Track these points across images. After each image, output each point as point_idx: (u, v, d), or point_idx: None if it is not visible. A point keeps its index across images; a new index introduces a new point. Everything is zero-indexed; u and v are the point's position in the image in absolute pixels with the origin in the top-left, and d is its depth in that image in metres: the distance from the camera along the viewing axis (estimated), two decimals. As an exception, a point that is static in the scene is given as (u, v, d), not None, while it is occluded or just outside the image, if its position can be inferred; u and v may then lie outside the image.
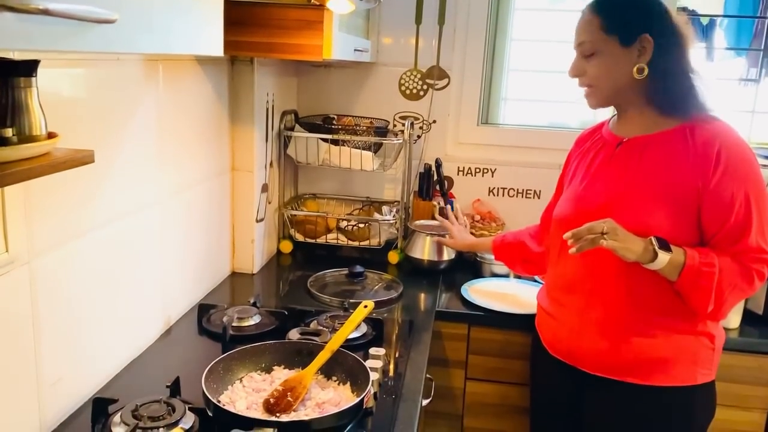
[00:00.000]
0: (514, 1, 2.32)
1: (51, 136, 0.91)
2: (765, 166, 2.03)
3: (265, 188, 2.04)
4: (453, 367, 1.88)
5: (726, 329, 1.78)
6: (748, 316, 1.85)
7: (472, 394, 1.89)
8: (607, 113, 1.67)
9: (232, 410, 1.08)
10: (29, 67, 0.87)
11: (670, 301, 1.33)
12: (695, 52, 1.35)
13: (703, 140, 1.29)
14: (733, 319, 1.80)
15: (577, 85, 1.44)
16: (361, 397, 1.09)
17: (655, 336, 1.35)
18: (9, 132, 0.84)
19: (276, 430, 0.98)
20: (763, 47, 2.27)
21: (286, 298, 1.91)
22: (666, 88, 1.33)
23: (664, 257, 1.24)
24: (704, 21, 2.51)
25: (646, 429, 1.40)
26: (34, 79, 0.87)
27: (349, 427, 1.12)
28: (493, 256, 1.92)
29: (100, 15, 0.57)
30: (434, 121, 2.33)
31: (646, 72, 1.34)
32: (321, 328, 1.48)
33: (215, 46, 0.86)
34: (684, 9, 2.43)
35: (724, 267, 1.27)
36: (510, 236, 1.79)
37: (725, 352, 1.75)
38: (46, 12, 0.49)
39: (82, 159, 0.92)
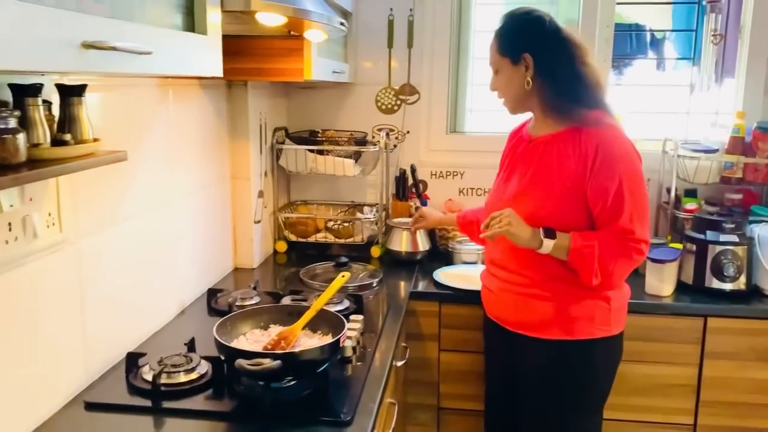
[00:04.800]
0: (473, 24, 2.66)
1: (95, 140, 1.22)
2: (695, 157, 2.34)
3: (261, 194, 2.35)
4: (428, 340, 2.17)
5: (660, 296, 2.09)
6: (680, 285, 2.14)
7: (446, 363, 2.17)
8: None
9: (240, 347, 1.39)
10: (80, 89, 1.18)
11: (569, 271, 1.61)
12: (590, 61, 1.63)
13: (586, 139, 1.58)
14: (666, 288, 2.10)
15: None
16: (338, 336, 1.38)
17: (557, 299, 1.63)
18: (68, 137, 1.15)
19: (272, 359, 1.27)
20: (692, 56, 2.60)
21: (283, 287, 2.20)
22: (554, 95, 1.61)
23: (548, 244, 1.56)
24: (659, 36, 2.85)
25: (554, 377, 1.68)
26: (83, 98, 1.19)
27: (328, 365, 1.41)
28: (463, 246, 2.29)
29: (142, 48, 0.89)
30: (408, 132, 2.66)
31: (530, 85, 1.62)
32: (309, 297, 1.79)
33: (216, 68, 1.18)
34: (630, 26, 2.78)
35: (604, 245, 1.55)
36: (469, 213, 2.10)
37: (661, 316, 2.06)
38: (114, 48, 0.81)
39: (118, 157, 1.24)
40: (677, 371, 2.08)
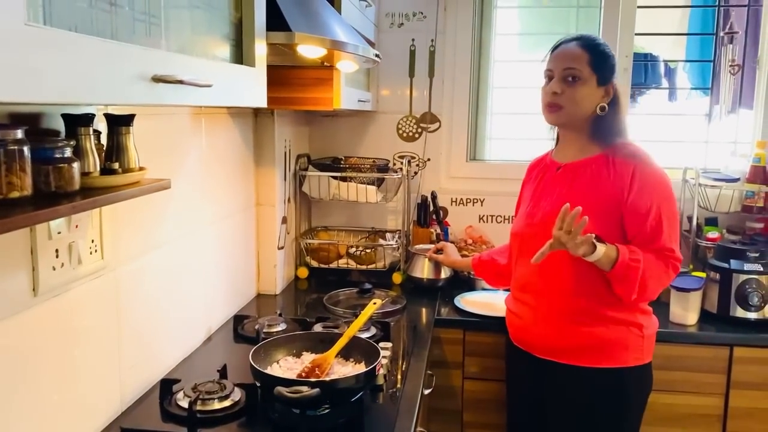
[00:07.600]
0: (493, 54, 2.70)
1: (141, 169, 1.24)
2: (716, 186, 2.36)
3: (284, 221, 2.36)
4: (451, 368, 2.16)
5: (685, 325, 2.09)
6: (704, 314, 2.14)
7: (469, 391, 2.16)
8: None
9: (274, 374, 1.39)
10: (128, 119, 1.21)
11: (603, 296, 1.63)
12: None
13: (621, 164, 1.63)
14: (690, 316, 2.10)
15: (547, 101, 1.69)
16: (373, 365, 1.38)
17: (591, 325, 1.64)
18: (116, 165, 1.17)
19: (309, 387, 1.27)
20: (710, 86, 2.63)
21: (305, 313, 2.21)
22: (608, 123, 1.68)
23: (601, 248, 1.53)
24: (672, 65, 2.88)
25: (586, 406, 1.68)
26: (131, 127, 1.21)
27: (362, 393, 1.41)
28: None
29: (204, 82, 0.91)
30: (429, 159, 2.68)
31: (605, 111, 1.68)
32: (339, 323, 1.80)
33: (262, 99, 1.21)
34: (645, 55, 2.82)
35: (647, 262, 1.58)
36: (485, 255, 2.11)
37: (686, 345, 2.05)
38: (180, 82, 0.83)
39: (163, 185, 1.25)
40: (703, 401, 2.06)
